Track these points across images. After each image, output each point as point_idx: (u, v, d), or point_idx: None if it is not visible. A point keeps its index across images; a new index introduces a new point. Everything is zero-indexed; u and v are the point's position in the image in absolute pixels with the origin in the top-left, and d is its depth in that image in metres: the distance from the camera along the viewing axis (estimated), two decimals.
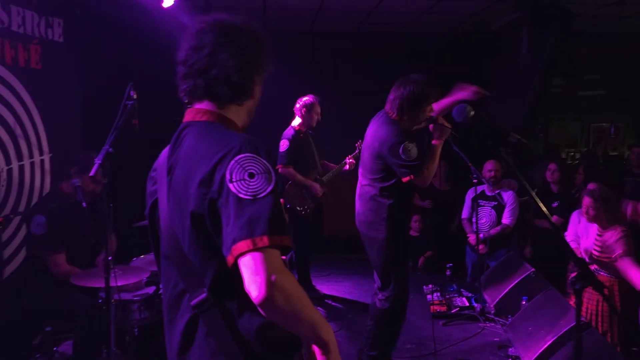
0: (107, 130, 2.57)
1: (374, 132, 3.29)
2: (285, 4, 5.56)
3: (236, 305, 1.20)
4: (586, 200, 3.64)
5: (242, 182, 1.12)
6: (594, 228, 3.70)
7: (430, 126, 3.18)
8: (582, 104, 8.19)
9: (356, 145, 5.07)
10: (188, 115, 1.34)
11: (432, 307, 4.69)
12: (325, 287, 5.50)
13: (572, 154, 8.21)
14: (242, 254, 1.08)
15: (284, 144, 4.75)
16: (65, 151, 4.27)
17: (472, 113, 1.81)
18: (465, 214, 5.40)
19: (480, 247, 5.04)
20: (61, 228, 3.26)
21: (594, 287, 2.02)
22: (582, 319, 3.20)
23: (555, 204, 5.08)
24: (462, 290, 5.09)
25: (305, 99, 4.87)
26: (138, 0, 4.40)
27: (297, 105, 4.89)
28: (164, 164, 1.31)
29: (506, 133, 1.97)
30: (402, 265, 3.36)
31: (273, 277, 1.06)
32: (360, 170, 3.45)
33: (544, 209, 1.73)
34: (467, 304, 4.72)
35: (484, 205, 5.16)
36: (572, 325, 3.15)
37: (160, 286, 1.41)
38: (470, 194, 5.31)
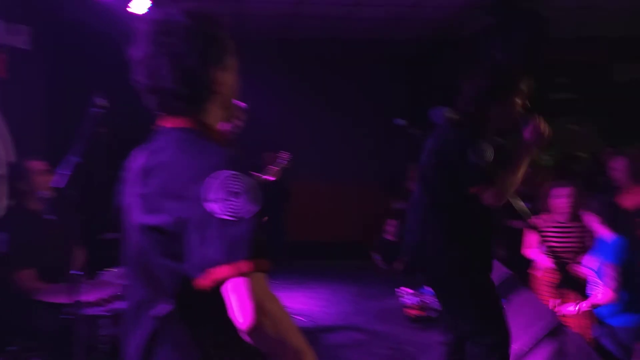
0: (73, 140, 2.50)
1: None
2: (260, 9, 5.54)
3: (204, 321, 1.16)
4: (565, 191, 3.89)
5: (223, 201, 1.06)
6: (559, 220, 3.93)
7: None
8: (553, 107, 8.38)
9: (280, 155, 4.84)
10: (163, 119, 1.28)
11: (407, 310, 4.70)
12: (296, 299, 5.39)
13: (542, 155, 8.40)
14: (225, 280, 1.03)
15: None
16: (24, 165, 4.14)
17: (451, 115, 1.80)
18: None
19: None
20: (27, 244, 3.15)
21: (570, 287, 2.05)
22: (559, 320, 3.26)
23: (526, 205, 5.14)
24: None
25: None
26: (108, 7, 4.32)
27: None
28: (139, 167, 1.25)
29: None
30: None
31: (261, 304, 1.02)
32: None
33: (521, 207, 1.73)
34: None
35: None
36: (548, 326, 3.19)
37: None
38: None
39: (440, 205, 2.50)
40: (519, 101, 2.54)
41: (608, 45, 7.53)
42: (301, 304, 5.27)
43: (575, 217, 3.89)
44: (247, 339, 1.05)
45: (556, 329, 3.19)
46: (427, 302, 4.89)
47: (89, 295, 2.83)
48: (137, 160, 1.28)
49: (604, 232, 3.35)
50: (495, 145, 2.39)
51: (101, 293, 3.03)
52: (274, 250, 4.12)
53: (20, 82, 4.15)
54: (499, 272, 4.48)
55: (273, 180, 5.06)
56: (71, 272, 2.61)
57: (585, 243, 3.82)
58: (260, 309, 1.02)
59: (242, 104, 4.61)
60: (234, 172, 1.10)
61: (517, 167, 2.43)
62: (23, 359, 3.16)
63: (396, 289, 5.14)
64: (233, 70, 1.31)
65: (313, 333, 4.47)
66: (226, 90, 1.29)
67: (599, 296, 3.25)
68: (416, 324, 4.54)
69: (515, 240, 5.24)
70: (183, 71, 1.20)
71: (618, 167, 4.25)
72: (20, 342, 3.15)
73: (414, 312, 4.67)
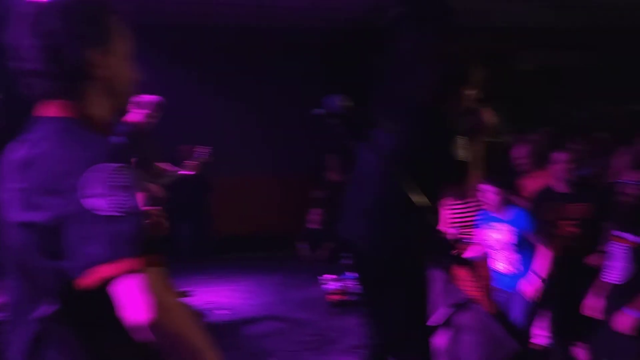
0: None
1: None
2: None
3: (91, 322, 1.11)
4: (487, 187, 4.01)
5: (103, 196, 1.01)
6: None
7: None
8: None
9: (196, 149, 4.86)
10: (42, 108, 1.19)
11: (329, 296, 4.78)
12: (220, 293, 5.34)
13: None
14: (112, 278, 0.98)
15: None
16: None
17: (346, 103, 1.83)
18: None
19: None
20: None
21: (459, 263, 2.16)
22: (465, 295, 3.44)
23: None
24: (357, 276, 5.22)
25: (145, 95, 4.45)
26: None
27: (137, 102, 4.43)
28: (17, 160, 1.16)
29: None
30: None
31: (154, 299, 0.98)
32: None
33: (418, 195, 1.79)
34: None
35: None
36: (452, 301, 3.35)
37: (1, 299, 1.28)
38: None
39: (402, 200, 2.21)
40: (470, 92, 2.48)
41: (513, 34, 7.94)
42: (225, 297, 5.22)
43: (471, 195, 4.07)
44: (139, 337, 1.01)
45: (459, 304, 3.36)
46: (348, 286, 5.01)
47: None
48: (15, 152, 1.20)
49: (502, 205, 3.55)
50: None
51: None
52: (198, 245, 4.03)
53: None
54: None
55: (193, 175, 4.96)
56: None
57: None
58: (155, 304, 0.98)
59: (156, 97, 4.48)
60: (116, 165, 1.04)
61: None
62: None
63: (319, 277, 5.21)
64: (121, 55, 1.24)
65: (235, 325, 4.45)
66: (109, 75, 1.22)
67: (540, 260, 3.43)
68: (337, 309, 4.62)
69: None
70: (52, 50, 1.13)
71: (521, 152, 4.47)
72: None
73: (335, 297, 4.76)
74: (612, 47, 8.57)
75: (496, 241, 3.52)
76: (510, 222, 3.51)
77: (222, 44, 6.66)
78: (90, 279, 1.00)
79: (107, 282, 0.99)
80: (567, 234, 3.57)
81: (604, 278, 3.08)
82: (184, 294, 5.18)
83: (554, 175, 3.84)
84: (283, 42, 6.73)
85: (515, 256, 3.49)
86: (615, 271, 3.03)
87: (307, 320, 4.45)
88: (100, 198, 1.01)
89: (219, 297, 5.21)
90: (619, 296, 3.00)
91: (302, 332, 4.21)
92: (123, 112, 1.31)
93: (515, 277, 3.51)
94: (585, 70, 8.89)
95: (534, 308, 3.49)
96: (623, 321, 2.93)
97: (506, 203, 3.55)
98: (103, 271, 0.99)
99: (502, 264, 3.56)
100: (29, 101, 1.22)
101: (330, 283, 5.10)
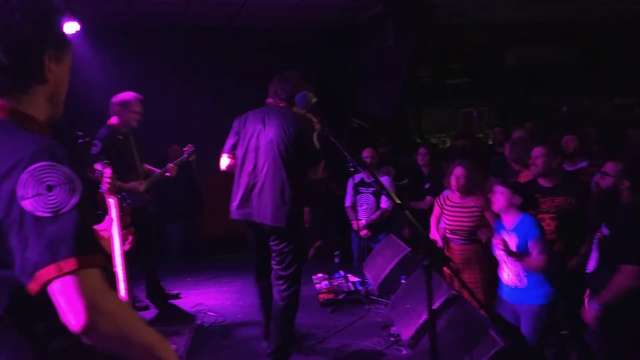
0: None
1: (280, 122, 3.32)
2: None
3: (43, 327, 1.08)
4: (457, 170, 4.02)
5: (39, 197, 0.97)
6: (455, 198, 4.11)
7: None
8: (449, 92, 8.80)
9: (184, 150, 4.87)
10: None
11: (320, 295, 4.77)
12: (210, 295, 5.29)
13: (443, 138, 8.80)
14: (50, 281, 0.96)
15: (96, 146, 3.94)
16: None
17: (314, 100, 1.83)
18: (348, 202, 5.55)
19: (363, 232, 5.22)
20: None
21: (442, 262, 2.16)
22: (455, 291, 3.43)
23: (427, 186, 5.39)
24: (348, 275, 5.23)
25: (121, 95, 4.41)
26: None
27: (114, 101, 4.38)
28: None
29: (349, 119, 2.01)
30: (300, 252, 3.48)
31: (92, 301, 0.96)
32: (264, 162, 3.34)
33: (389, 192, 1.79)
34: (353, 289, 4.86)
35: (363, 192, 5.35)
36: (443, 299, 3.35)
37: None
38: (350, 183, 5.47)
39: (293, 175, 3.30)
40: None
41: (499, 30, 8.01)
42: (214, 299, 5.18)
43: (468, 195, 4.08)
44: (86, 341, 0.99)
45: (450, 300, 3.36)
46: (337, 285, 5.00)
47: None
48: None
49: (509, 211, 3.42)
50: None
51: None
52: (187, 247, 4.15)
53: None
54: (400, 249, 4.67)
55: (180, 175, 4.92)
56: None
57: (478, 222, 4.02)
58: (94, 307, 0.96)
59: (134, 94, 4.43)
60: (47, 163, 1.01)
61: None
62: None
63: (313, 276, 5.20)
64: (66, 65, 1.23)
65: (225, 327, 4.41)
66: (55, 82, 1.20)
67: (532, 263, 3.28)
68: (326, 308, 4.61)
69: (417, 220, 5.49)
70: (11, 42, 1.11)
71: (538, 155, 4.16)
72: None
73: (324, 297, 4.75)
74: (598, 40, 8.62)
75: (502, 250, 3.38)
76: (515, 230, 3.39)
77: (209, 44, 6.62)
78: (35, 284, 0.97)
79: (47, 285, 0.97)
80: (546, 227, 3.54)
81: (587, 269, 3.10)
82: (176, 296, 5.15)
83: (534, 170, 3.86)
84: (265, 41, 6.69)
85: (519, 266, 3.35)
86: (591, 261, 3.05)
87: (298, 320, 4.43)
88: (35, 199, 0.98)
89: (208, 299, 5.16)
90: (591, 288, 3.01)
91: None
92: (54, 122, 1.29)
93: (519, 288, 3.39)
94: (570, 65, 8.95)
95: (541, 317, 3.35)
96: (587, 314, 2.95)
97: (514, 207, 3.39)
98: (43, 275, 0.96)
99: (507, 273, 3.46)
100: None
101: (321, 282, 5.10)
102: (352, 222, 5.45)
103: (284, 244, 3.37)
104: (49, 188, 0.99)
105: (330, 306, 4.62)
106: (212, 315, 4.65)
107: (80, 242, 0.98)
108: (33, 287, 0.98)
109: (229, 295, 5.30)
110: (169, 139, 6.02)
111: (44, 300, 0.99)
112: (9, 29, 1.11)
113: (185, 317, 4.56)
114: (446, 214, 4.17)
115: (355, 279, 5.10)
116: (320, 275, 5.24)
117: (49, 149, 1.04)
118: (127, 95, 4.41)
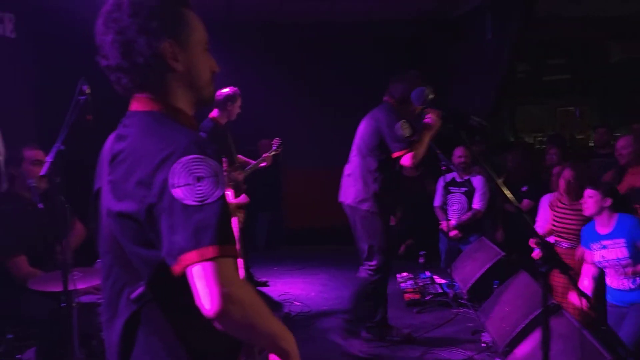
0: (60, 128, 2.48)
1: (373, 115, 3.75)
2: None
3: (179, 305, 1.14)
4: (567, 172, 3.83)
5: (188, 187, 1.04)
6: (565, 200, 3.90)
7: (428, 117, 3.53)
8: (547, 88, 8.30)
9: (272, 142, 5.05)
10: (133, 103, 1.25)
11: (405, 295, 4.70)
12: (295, 285, 5.39)
13: (539, 138, 8.33)
14: (191, 265, 1.01)
15: None
16: (18, 151, 4.11)
17: (432, 96, 1.78)
18: (437, 201, 5.41)
19: (453, 233, 5.07)
20: (18, 231, 3.13)
21: (560, 269, 2.03)
22: (554, 300, 3.25)
23: (524, 188, 5.13)
24: (435, 277, 5.11)
25: (225, 90, 4.60)
26: None
27: (218, 97, 4.56)
28: (107, 152, 1.22)
29: (466, 116, 1.95)
30: (386, 239, 3.70)
31: (227, 289, 1.00)
32: (353, 152, 3.84)
33: (507, 193, 1.70)
34: (440, 291, 4.74)
35: (454, 192, 5.18)
36: (541, 306, 3.17)
37: (100, 283, 1.33)
38: (441, 182, 5.32)
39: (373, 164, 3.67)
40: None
41: (604, 24, 7.49)
42: (299, 289, 5.27)
43: (577, 198, 3.81)
44: (216, 326, 1.02)
45: (549, 309, 3.17)
46: (422, 285, 4.90)
47: (85, 283, 2.82)
48: (107, 145, 1.26)
49: (602, 215, 3.29)
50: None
51: (96, 280, 3.01)
52: (273, 236, 4.42)
53: (6, 70, 4.09)
54: (493, 253, 4.49)
55: (267, 167, 5.05)
56: (62, 260, 2.59)
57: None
58: (227, 295, 1.00)
59: (233, 89, 4.60)
60: (197, 156, 1.07)
61: (422, 142, 3.51)
62: (20, 348, 3.16)
63: (397, 275, 5.14)
64: (194, 46, 1.24)
65: (310, 318, 4.47)
66: (187, 67, 1.23)
67: None
68: (412, 307, 4.53)
69: (510, 224, 5.25)
70: (125, 45, 1.16)
71: (624, 145, 4.07)
72: (14, 330, 3.15)
73: (409, 296, 4.67)
74: None
75: (604, 257, 3.27)
76: (616, 234, 3.23)
77: (298, 40, 6.68)
78: (178, 266, 1.03)
79: (188, 268, 1.02)
80: None
81: None
82: (264, 284, 5.30)
83: None
84: (356, 36, 6.65)
85: (630, 269, 3.21)
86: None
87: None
88: (183, 188, 1.04)
89: (293, 289, 5.27)
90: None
91: None
92: (207, 104, 1.33)
93: (629, 292, 3.25)
94: None
95: None
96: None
97: (606, 210, 3.28)
98: (186, 259, 1.02)
99: (616, 278, 3.30)
100: (120, 96, 1.26)
101: (406, 281, 5.02)
102: (441, 222, 5.30)
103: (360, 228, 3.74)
104: (198, 179, 1.05)
105: (416, 306, 4.54)
106: (298, 305, 4.73)
107: (221, 231, 1.03)
108: (176, 268, 1.04)
109: (313, 286, 5.37)
110: (258, 132, 6.16)
111: (182, 281, 1.04)
112: (122, 33, 1.16)
113: (274, 305, 4.67)
114: (555, 217, 3.96)
115: (442, 281, 4.97)
116: (405, 274, 5.16)
117: (200, 143, 1.10)
118: (231, 90, 4.61)
